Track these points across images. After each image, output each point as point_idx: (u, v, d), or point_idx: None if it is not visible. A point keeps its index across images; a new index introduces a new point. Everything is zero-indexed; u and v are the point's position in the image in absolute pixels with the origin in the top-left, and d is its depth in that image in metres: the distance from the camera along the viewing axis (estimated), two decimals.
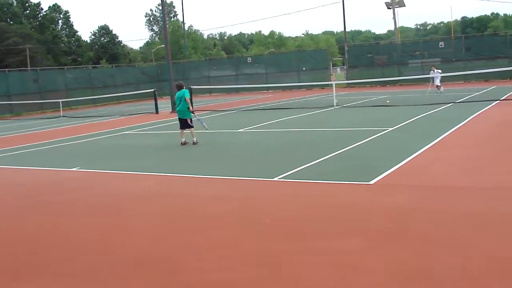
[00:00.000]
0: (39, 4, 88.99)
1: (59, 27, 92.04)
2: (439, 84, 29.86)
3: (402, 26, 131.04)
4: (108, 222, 7.82)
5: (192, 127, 15.39)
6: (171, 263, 5.81)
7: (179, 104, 15.37)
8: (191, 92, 29.40)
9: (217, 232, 6.85)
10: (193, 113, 15.65)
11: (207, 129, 16.27)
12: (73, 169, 12.60)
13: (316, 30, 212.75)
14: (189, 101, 15.22)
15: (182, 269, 5.62)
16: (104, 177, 11.55)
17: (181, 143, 15.21)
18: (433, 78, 29.99)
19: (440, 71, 30.64)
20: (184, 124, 15.36)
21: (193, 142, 15.13)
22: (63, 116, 34.50)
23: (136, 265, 5.78)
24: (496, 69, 30.78)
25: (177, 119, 15.65)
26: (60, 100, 37.37)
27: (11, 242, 7.18)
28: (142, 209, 8.44)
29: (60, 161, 14.17)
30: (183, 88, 15.50)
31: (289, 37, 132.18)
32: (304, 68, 49.96)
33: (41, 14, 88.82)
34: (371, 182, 8.81)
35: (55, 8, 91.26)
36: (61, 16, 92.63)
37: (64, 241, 6.97)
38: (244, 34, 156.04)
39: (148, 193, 9.60)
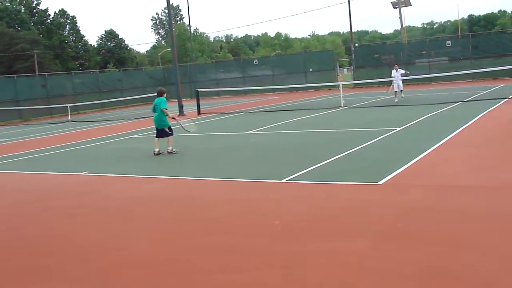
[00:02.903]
0: (46, 10, 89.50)
1: (66, 32, 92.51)
2: (401, 88, 27.30)
3: (409, 26, 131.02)
4: (117, 226, 7.84)
5: (171, 135, 14.68)
6: (179, 266, 5.81)
7: (155, 112, 14.73)
8: (197, 95, 29.51)
9: (225, 234, 6.85)
10: (174, 119, 15.09)
11: (191, 132, 15.63)
12: (82, 173, 12.65)
13: (323, 31, 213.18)
14: (165, 111, 14.48)
15: (191, 271, 5.62)
16: (113, 181, 11.59)
17: (154, 153, 14.52)
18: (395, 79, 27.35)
19: (403, 71, 28.13)
20: (161, 133, 14.67)
21: (168, 151, 14.53)
22: (71, 121, 34.64)
23: (145, 268, 5.79)
24: (504, 67, 30.57)
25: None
26: (68, 105, 37.57)
27: (20, 246, 7.21)
28: (151, 212, 8.46)
29: (69, 166, 14.23)
30: (161, 96, 14.69)
31: (296, 38, 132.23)
32: (311, 69, 49.91)
33: (49, 20, 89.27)
34: (380, 183, 8.79)
35: (62, 13, 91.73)
36: (68, 21, 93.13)
37: (73, 245, 6.99)
38: (250, 36, 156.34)
39: (156, 196, 9.62)
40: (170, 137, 14.65)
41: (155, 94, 14.92)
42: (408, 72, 29.47)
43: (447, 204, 7.32)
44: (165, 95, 14.78)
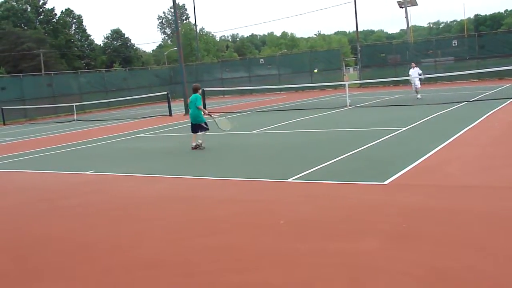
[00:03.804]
0: (52, 9, 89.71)
1: (72, 31, 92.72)
2: (418, 86, 27.40)
3: (415, 25, 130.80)
4: (122, 225, 7.85)
5: (207, 129, 15.08)
6: (185, 266, 5.81)
7: (191, 108, 15.18)
8: (203, 94, 29.48)
9: (231, 233, 6.84)
10: (210, 115, 15.48)
11: (225, 130, 15.74)
12: (87, 172, 12.67)
13: (329, 30, 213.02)
14: (201, 108, 15.02)
15: (196, 271, 5.61)
16: (118, 180, 11.60)
17: (192, 147, 14.88)
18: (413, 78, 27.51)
19: (420, 71, 28.17)
20: (197, 128, 15.04)
21: (197, 144, 14.87)
22: (77, 120, 34.70)
23: (150, 268, 5.79)
24: (510, 67, 30.48)
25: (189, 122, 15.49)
26: (74, 104, 37.63)
27: (26, 245, 7.22)
28: (156, 212, 8.46)
29: (74, 165, 14.25)
30: (197, 92, 15.23)
31: (301, 37, 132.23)
32: (315, 70, 49.83)
33: (55, 19, 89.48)
34: (386, 182, 8.77)
35: (68, 12, 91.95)
36: (74, 20, 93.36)
37: (78, 245, 6.99)
38: (257, 35, 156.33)
39: (161, 195, 9.62)
40: (204, 132, 15.05)
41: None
42: (421, 73, 29.22)
43: (453, 205, 7.29)
44: (199, 91, 15.33)
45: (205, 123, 15.03)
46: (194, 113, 15.07)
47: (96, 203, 9.48)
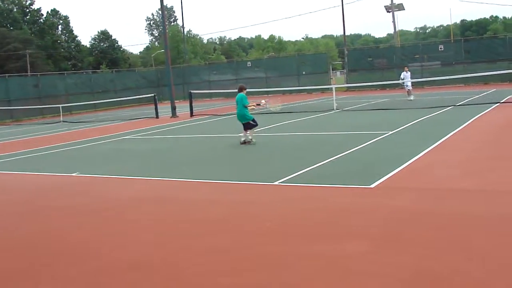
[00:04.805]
0: (39, 9, 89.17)
1: (59, 32, 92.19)
2: (410, 88, 29.53)
3: (402, 30, 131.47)
4: (107, 227, 7.80)
5: (255, 126, 15.36)
6: (170, 268, 5.78)
7: (237, 108, 15.49)
8: (190, 96, 29.45)
9: (216, 236, 6.82)
10: (259, 105, 16.10)
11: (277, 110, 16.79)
12: (73, 174, 12.59)
13: (316, 34, 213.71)
14: (247, 106, 15.36)
15: (181, 274, 5.59)
16: (103, 182, 11.54)
17: (240, 142, 15.25)
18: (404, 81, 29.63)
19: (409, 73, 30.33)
20: (246, 125, 15.31)
21: (246, 141, 15.19)
22: (63, 121, 34.50)
23: (136, 270, 5.76)
24: (495, 71, 30.79)
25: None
26: (60, 105, 37.35)
27: (10, 248, 7.16)
28: (141, 214, 8.42)
29: (59, 167, 14.16)
30: (241, 92, 15.57)
31: (289, 41, 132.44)
32: (304, 72, 49.97)
33: (41, 20, 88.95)
34: (372, 186, 8.80)
35: (54, 13, 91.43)
36: (61, 21, 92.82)
37: (63, 247, 6.95)
38: (244, 38, 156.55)
39: (146, 197, 9.58)
40: (253, 129, 15.36)
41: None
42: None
43: (439, 208, 7.32)
44: (245, 91, 15.66)
45: (253, 120, 15.32)
46: (240, 113, 15.38)
47: (81, 204, 9.41)
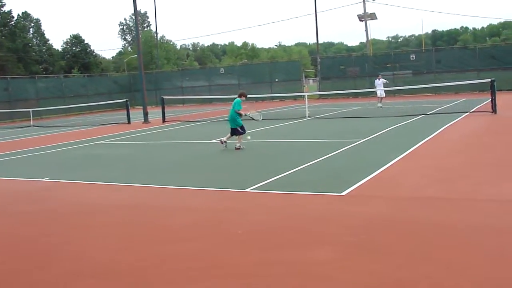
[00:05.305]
0: (9, 12, 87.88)
1: (30, 35, 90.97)
2: (383, 96, 30.60)
3: (374, 39, 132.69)
4: (75, 233, 7.69)
5: (242, 133, 15.49)
6: (138, 275, 5.72)
7: (230, 111, 15.64)
8: (163, 102, 29.30)
9: (186, 243, 6.78)
10: (246, 114, 16.02)
11: (259, 120, 17.25)
12: (43, 179, 12.42)
13: (289, 41, 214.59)
14: (239, 112, 15.45)
15: (150, 281, 5.53)
16: (74, 188, 11.40)
17: (235, 147, 15.31)
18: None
19: (385, 81, 31.28)
20: (234, 131, 15.54)
21: (236, 147, 15.24)
22: (33, 126, 34.02)
23: (101, 279, 5.69)
24: (465, 81, 31.34)
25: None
26: (30, 110, 36.85)
27: None
28: (111, 220, 8.34)
29: (29, 171, 13.96)
30: (240, 97, 15.79)
31: (262, 48, 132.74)
32: (276, 79, 50.16)
33: (12, 22, 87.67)
34: (343, 193, 8.83)
35: (25, 16, 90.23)
36: (32, 24, 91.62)
37: (28, 252, 6.84)
38: (217, 45, 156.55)
39: (117, 203, 9.49)
40: (240, 136, 15.49)
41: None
42: (387, 81, 32.58)
43: (408, 216, 7.39)
44: (243, 97, 15.92)
45: (242, 127, 15.47)
46: (231, 116, 15.57)
47: (51, 210, 9.29)
